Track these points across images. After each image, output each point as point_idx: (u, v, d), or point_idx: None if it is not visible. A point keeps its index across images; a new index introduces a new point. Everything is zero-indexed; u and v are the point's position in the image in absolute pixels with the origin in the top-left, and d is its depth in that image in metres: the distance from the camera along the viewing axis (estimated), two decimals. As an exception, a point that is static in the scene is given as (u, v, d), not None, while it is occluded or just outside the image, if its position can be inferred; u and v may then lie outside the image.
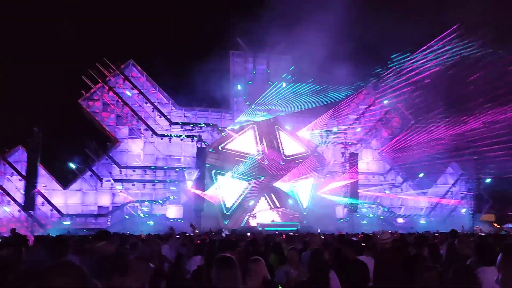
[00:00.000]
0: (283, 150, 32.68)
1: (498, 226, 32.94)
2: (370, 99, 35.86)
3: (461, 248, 5.74)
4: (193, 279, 5.64)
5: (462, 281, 3.19)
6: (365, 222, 33.46)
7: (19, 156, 29.21)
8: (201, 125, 32.41)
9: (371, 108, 35.84)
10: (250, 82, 33.97)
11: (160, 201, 30.75)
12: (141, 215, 30.17)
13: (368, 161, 36.51)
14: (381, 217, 34.64)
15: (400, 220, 35.30)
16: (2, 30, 35.43)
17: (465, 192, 36.10)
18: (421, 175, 35.23)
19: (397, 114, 36.11)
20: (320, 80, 29.11)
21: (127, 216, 30.14)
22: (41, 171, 28.53)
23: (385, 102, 35.18)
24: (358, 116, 35.69)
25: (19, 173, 28.33)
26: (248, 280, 3.86)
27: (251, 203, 31.16)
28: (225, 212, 30.67)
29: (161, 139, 31.47)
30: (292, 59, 33.56)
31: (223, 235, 17.86)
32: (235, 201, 31.10)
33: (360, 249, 6.14)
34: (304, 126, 33.49)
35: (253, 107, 31.40)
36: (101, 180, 30.08)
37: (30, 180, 27.10)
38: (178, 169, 31.75)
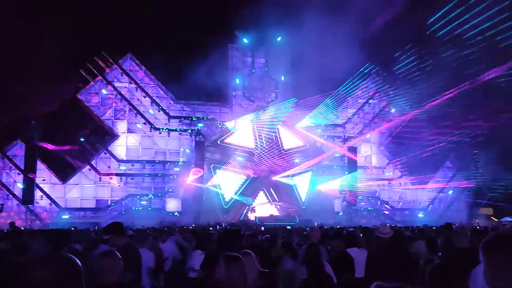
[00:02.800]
0: (282, 143, 32.64)
1: (496, 220, 33.04)
2: (370, 92, 35.74)
3: (457, 241, 5.74)
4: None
5: (435, 282, 3.12)
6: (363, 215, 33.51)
7: (18, 150, 29.19)
8: (199, 119, 32.40)
9: (370, 102, 35.77)
10: (253, 70, 33.92)
11: (151, 195, 30.79)
12: (133, 209, 30.18)
13: (366, 155, 36.48)
14: (382, 212, 34.67)
15: (398, 214, 35.35)
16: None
17: (463, 186, 36.11)
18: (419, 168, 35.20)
19: (396, 108, 35.96)
20: (319, 73, 29.03)
21: (123, 212, 30.15)
22: (40, 165, 28.53)
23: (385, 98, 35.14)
24: (357, 110, 35.62)
25: (17, 167, 28.31)
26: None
27: (250, 198, 31.15)
28: (224, 205, 30.72)
29: (160, 133, 31.47)
30: (291, 52, 33.42)
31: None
32: (234, 195, 31.13)
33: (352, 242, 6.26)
34: (303, 120, 33.44)
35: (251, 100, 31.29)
36: (99, 174, 30.08)
37: (29, 174, 27.07)
38: (176, 163, 31.76)
